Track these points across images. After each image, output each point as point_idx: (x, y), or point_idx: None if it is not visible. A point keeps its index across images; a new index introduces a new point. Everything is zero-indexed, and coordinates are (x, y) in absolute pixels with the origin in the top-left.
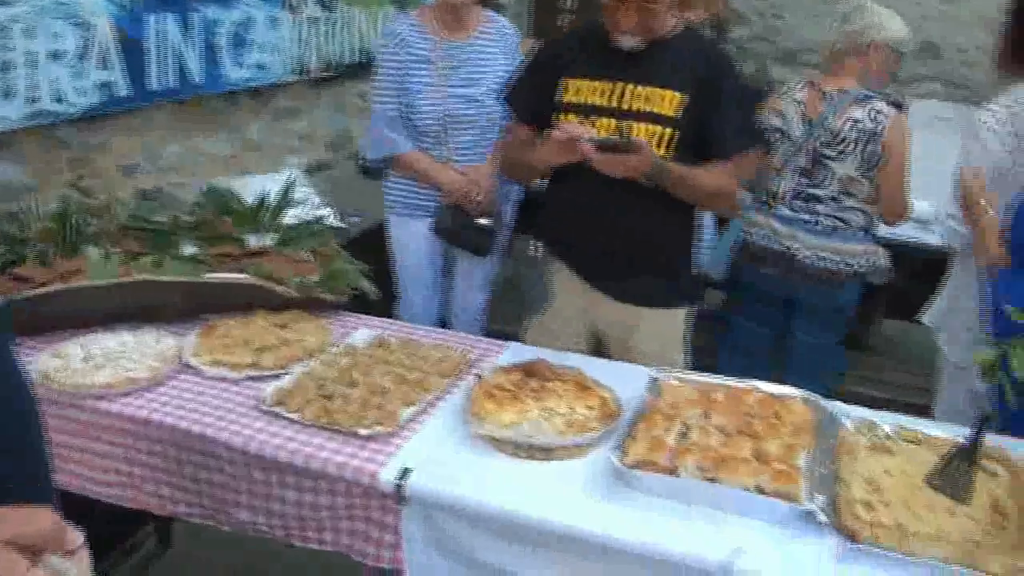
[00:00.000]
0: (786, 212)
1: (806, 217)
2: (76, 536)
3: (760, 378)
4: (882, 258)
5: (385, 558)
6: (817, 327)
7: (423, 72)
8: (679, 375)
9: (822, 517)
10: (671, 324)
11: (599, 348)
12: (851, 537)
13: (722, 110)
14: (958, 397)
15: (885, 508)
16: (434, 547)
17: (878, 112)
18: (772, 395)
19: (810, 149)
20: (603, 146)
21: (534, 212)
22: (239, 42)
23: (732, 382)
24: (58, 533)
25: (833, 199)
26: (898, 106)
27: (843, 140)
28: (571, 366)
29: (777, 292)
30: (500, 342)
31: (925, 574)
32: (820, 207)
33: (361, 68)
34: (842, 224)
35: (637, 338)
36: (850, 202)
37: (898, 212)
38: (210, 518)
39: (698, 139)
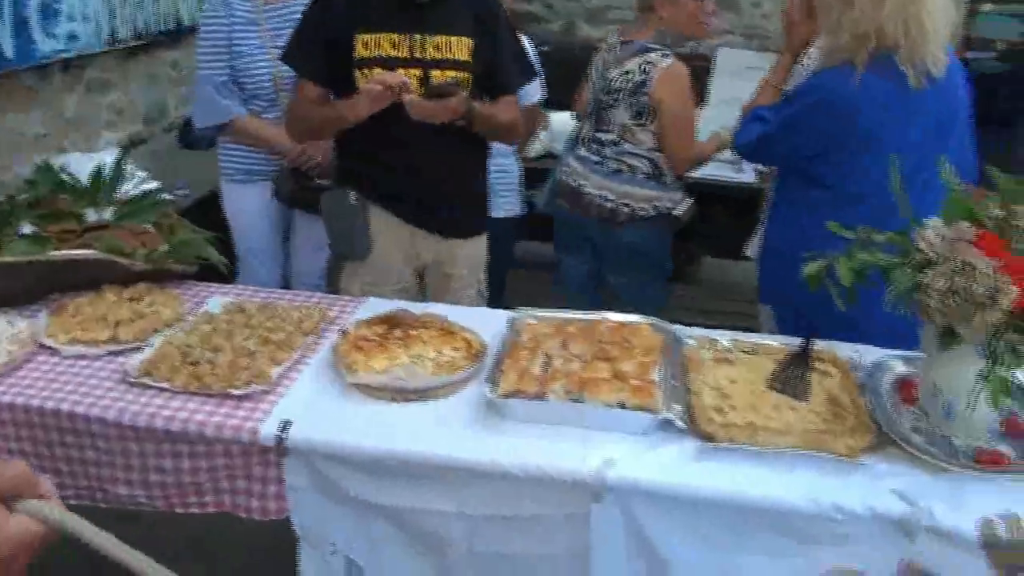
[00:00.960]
0: (583, 153)
1: (595, 159)
2: (47, 483)
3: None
4: (670, 203)
5: (271, 511)
6: (621, 265)
7: (251, 35)
8: (534, 313)
9: (680, 424)
10: (478, 250)
11: (420, 284)
12: (708, 438)
13: (502, 50)
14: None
15: (734, 411)
16: (319, 494)
17: (649, 64)
18: (620, 323)
19: (597, 97)
20: (431, 93)
21: (347, 164)
22: (48, 12)
23: (581, 315)
24: (32, 478)
25: (615, 144)
26: (683, 58)
27: (616, 90)
28: (433, 313)
29: (578, 230)
30: (355, 299)
31: (777, 462)
32: (606, 150)
33: (174, 36)
34: (626, 168)
35: (451, 266)
36: (631, 148)
37: (679, 161)
38: (89, 498)
39: (485, 79)
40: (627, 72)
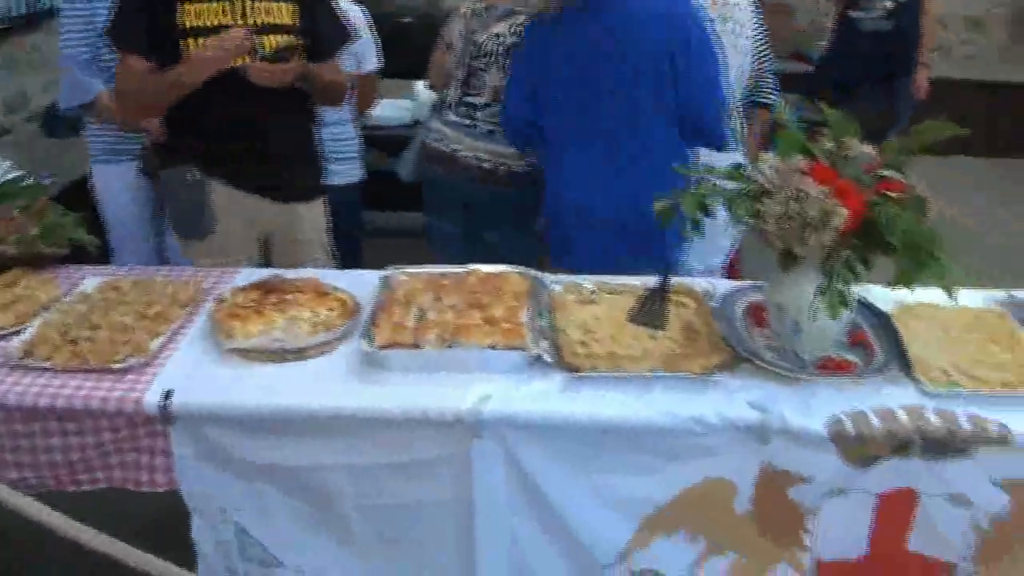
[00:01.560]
0: (452, 118)
1: (467, 122)
2: None
3: None
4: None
5: (160, 482)
6: (499, 221)
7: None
8: (406, 270)
9: (548, 359)
10: (319, 212)
11: (267, 253)
12: (574, 370)
13: (320, 15)
14: None
15: (598, 344)
16: (206, 462)
17: (519, 26)
18: (489, 272)
19: (465, 62)
20: (271, 57)
21: (181, 141)
22: None
23: (453, 268)
24: None
25: (487, 106)
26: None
27: (488, 53)
28: (305, 276)
29: (452, 193)
30: (230, 269)
31: (637, 385)
32: (478, 113)
33: (32, 19)
34: (499, 129)
35: (296, 230)
36: None
37: None
38: None
39: (308, 42)
40: (497, 35)
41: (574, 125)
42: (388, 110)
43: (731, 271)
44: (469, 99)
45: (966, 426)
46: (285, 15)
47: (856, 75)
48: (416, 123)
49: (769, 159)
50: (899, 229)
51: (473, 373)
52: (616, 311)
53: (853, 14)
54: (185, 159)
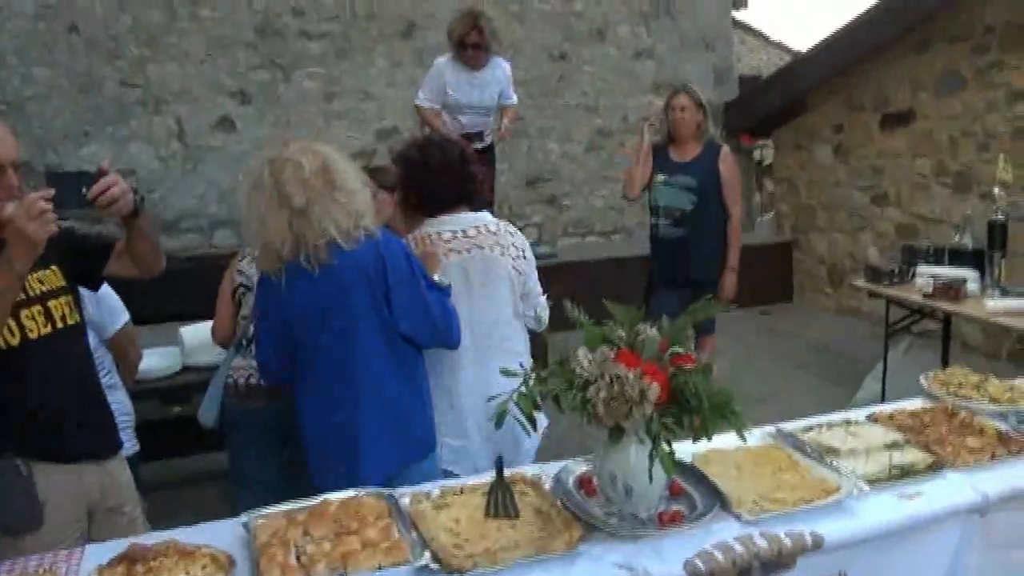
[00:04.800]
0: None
1: None
2: None
3: None
4: None
5: None
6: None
7: None
8: (261, 512)
9: (434, 566)
10: (126, 469)
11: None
12: (459, 571)
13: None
14: None
15: (469, 544)
16: None
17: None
18: (344, 499)
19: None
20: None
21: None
22: None
23: (302, 502)
24: None
25: None
26: None
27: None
28: (162, 539)
29: (261, 423)
30: (73, 548)
31: (519, 573)
32: None
33: None
34: None
35: (118, 495)
36: None
37: None
38: None
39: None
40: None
41: (317, 361)
42: (155, 360)
43: None
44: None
45: (788, 542)
46: (55, 279)
47: (665, 279)
48: (185, 369)
49: (583, 352)
50: (700, 393)
51: None
52: (470, 509)
53: (652, 220)
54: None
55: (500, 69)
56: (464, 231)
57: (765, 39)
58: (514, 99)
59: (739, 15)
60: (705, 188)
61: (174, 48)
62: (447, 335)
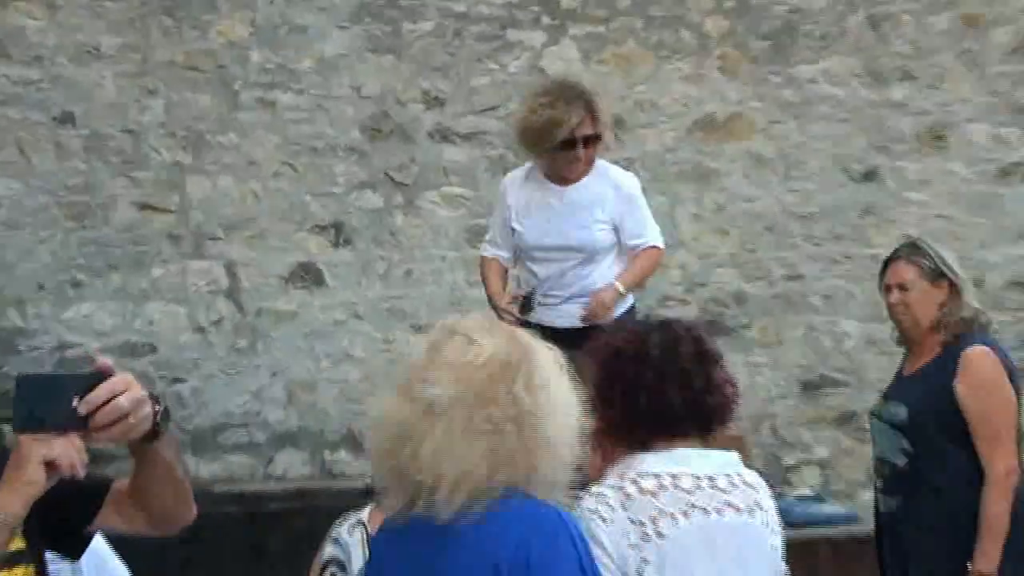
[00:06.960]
0: None
1: None
2: None
3: None
4: None
5: None
6: None
7: None
8: None
9: None
10: None
11: None
12: None
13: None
14: None
15: None
16: None
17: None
18: None
19: None
20: None
21: None
22: None
23: None
24: None
25: None
26: None
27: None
28: None
29: None
30: None
31: None
32: None
33: None
34: None
35: None
36: None
37: None
38: None
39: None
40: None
41: None
42: None
43: None
44: None
45: None
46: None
47: None
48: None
49: None
50: None
51: None
52: None
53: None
54: None
55: (608, 182)
56: (711, 478)
57: None
58: (651, 236)
59: None
60: (920, 423)
61: (230, 152)
62: None
